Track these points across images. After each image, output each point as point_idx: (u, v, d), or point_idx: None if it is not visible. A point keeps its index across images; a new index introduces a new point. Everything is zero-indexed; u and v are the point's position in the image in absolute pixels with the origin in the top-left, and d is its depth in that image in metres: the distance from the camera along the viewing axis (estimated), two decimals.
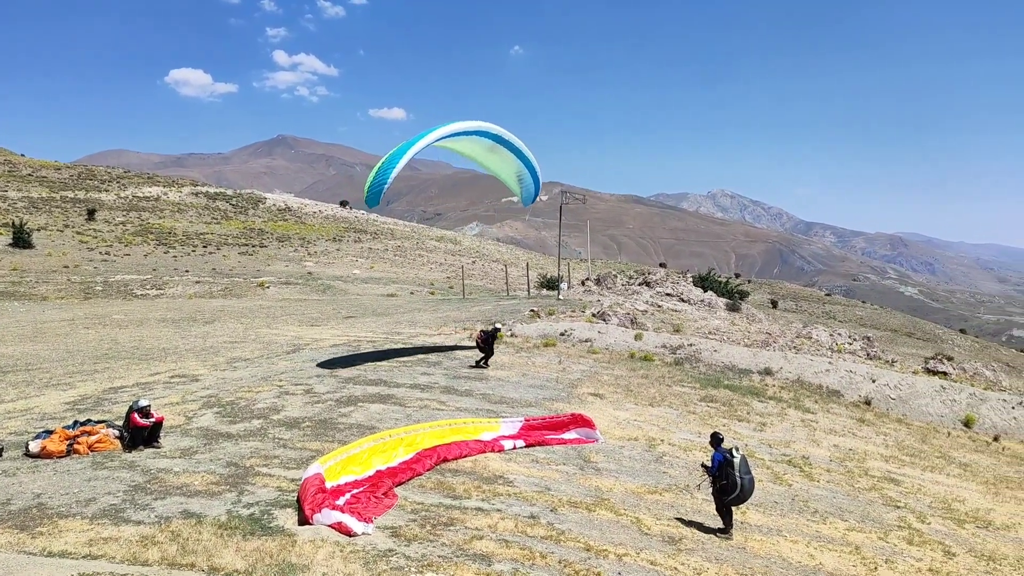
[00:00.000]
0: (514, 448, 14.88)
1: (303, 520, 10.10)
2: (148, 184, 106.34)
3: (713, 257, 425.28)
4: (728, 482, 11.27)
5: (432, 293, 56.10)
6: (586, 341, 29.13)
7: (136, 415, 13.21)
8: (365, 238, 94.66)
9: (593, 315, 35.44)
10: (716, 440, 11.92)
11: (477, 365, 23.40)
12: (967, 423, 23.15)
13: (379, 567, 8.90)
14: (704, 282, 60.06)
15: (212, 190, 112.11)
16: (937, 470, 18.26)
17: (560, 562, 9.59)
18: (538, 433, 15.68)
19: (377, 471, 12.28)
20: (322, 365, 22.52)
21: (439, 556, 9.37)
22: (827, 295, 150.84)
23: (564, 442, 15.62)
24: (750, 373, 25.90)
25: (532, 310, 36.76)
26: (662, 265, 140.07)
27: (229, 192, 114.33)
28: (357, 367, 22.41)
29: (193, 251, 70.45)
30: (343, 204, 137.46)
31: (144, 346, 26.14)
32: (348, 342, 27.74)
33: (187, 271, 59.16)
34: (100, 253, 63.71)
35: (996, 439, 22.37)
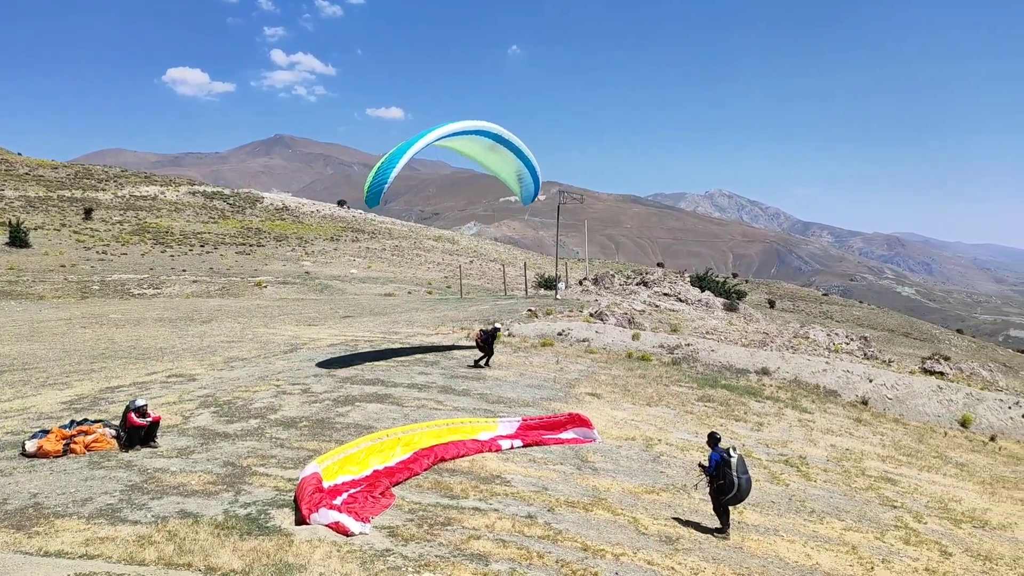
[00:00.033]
0: (511, 448, 14.88)
1: (300, 520, 10.09)
2: (145, 183, 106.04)
3: (711, 257, 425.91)
4: (725, 482, 11.30)
5: (430, 293, 56.07)
6: (584, 341, 29.13)
7: (133, 414, 13.17)
8: (363, 237, 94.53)
9: (591, 315, 35.44)
10: (713, 440, 11.94)
11: (476, 365, 23.35)
12: (964, 423, 23.21)
13: (376, 567, 8.90)
14: (702, 282, 60.11)
15: (209, 189, 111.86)
16: (934, 470, 18.30)
17: (557, 562, 9.60)
18: (535, 433, 15.67)
19: (374, 471, 12.27)
20: (319, 365, 22.49)
21: (436, 556, 9.38)
22: (824, 295, 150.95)
23: (561, 442, 15.61)
24: (747, 373, 25.93)
25: (530, 310, 36.74)
26: (660, 265, 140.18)
27: (226, 191, 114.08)
28: (354, 367, 22.38)
29: (190, 250, 70.32)
30: (341, 203, 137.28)
31: (141, 345, 26.08)
32: (345, 342, 27.71)
33: (184, 270, 59.04)
34: (97, 252, 63.54)
35: (993, 439, 22.43)
